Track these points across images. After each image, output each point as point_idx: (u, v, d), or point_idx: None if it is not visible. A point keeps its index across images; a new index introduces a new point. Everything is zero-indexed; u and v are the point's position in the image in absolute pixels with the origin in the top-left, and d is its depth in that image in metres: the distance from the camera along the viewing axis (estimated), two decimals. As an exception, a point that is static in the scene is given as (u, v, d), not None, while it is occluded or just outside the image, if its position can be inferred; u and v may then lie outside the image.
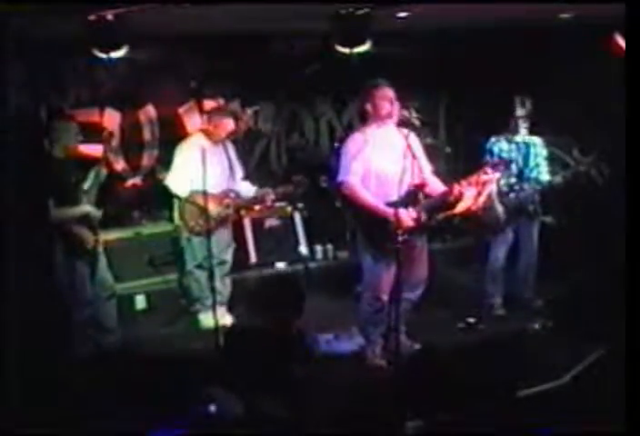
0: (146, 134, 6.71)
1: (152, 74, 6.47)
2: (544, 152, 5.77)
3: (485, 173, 4.68)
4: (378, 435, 3.91)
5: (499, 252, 5.83)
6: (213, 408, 3.91)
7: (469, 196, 4.68)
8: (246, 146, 6.92)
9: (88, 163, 5.17)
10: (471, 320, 5.65)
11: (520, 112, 5.62)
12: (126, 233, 6.27)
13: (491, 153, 5.71)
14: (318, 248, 7.10)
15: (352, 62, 5.47)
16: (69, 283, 5.00)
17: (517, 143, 5.69)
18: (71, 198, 5.01)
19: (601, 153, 5.54)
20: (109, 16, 4.58)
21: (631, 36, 3.52)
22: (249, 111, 7.13)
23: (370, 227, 4.79)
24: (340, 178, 4.84)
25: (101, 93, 6.41)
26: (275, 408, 3.88)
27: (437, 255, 7.00)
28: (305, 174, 6.07)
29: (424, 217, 4.74)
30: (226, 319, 5.68)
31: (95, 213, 5.10)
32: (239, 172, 5.97)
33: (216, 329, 4.79)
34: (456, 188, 4.64)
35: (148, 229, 6.39)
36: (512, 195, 5.63)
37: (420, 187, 4.75)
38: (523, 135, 5.69)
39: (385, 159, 4.76)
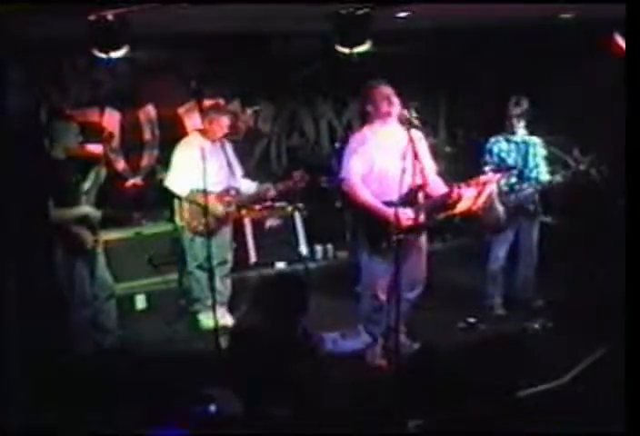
0: (146, 134, 6.72)
1: (152, 74, 6.48)
2: (543, 151, 5.77)
3: (477, 184, 4.70)
4: (380, 434, 3.91)
5: (499, 252, 5.83)
6: (213, 408, 3.91)
7: (469, 196, 4.68)
8: (246, 146, 6.92)
9: (88, 163, 5.17)
10: (471, 320, 5.65)
11: (520, 111, 5.62)
12: (126, 233, 6.28)
13: (490, 152, 5.71)
14: (318, 248, 7.11)
15: (352, 62, 5.47)
16: (69, 283, 5.00)
17: (517, 143, 5.69)
18: (71, 198, 5.01)
19: (601, 152, 5.54)
20: (109, 16, 4.58)
21: (631, 36, 3.52)
22: (249, 111, 7.13)
23: (367, 225, 4.81)
24: (341, 175, 4.86)
25: (101, 93, 6.41)
26: (281, 408, 3.88)
27: (437, 255, 7.04)
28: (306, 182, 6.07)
29: (422, 218, 4.75)
30: (226, 319, 5.68)
31: (95, 213, 5.10)
32: (239, 170, 5.97)
33: (216, 329, 4.79)
34: (456, 191, 4.64)
35: (148, 229, 6.40)
36: (512, 195, 5.63)
37: (421, 187, 4.76)
38: (522, 135, 5.69)
39: (386, 158, 4.76)
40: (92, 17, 4.59)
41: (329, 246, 7.13)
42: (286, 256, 6.79)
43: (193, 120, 6.67)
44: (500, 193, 5.55)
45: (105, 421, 4.04)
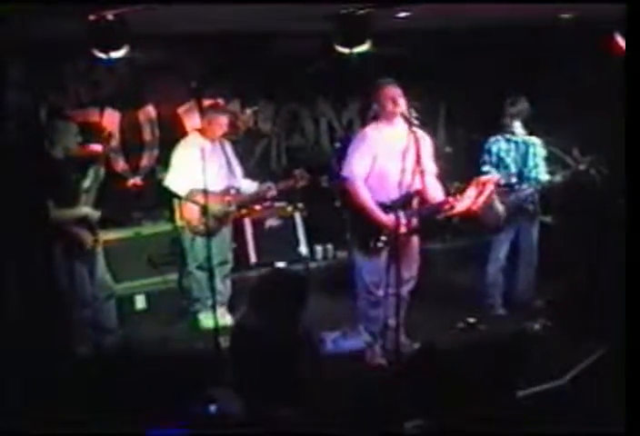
0: (146, 134, 6.72)
1: (152, 74, 6.47)
2: (543, 151, 5.77)
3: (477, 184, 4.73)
4: (380, 434, 3.91)
5: (499, 253, 5.83)
6: (213, 408, 3.91)
7: (469, 196, 4.68)
8: (246, 146, 6.92)
9: (88, 163, 5.16)
10: (471, 320, 5.65)
11: (515, 111, 5.63)
12: (126, 233, 6.27)
13: (489, 152, 5.72)
14: (318, 248, 7.10)
15: (352, 62, 5.47)
16: (68, 283, 5.00)
17: (517, 143, 5.70)
18: (71, 198, 5.01)
19: (600, 152, 5.54)
20: (109, 16, 4.58)
21: (631, 36, 3.52)
22: (249, 111, 7.13)
23: (361, 224, 4.85)
24: (343, 174, 4.88)
25: (101, 93, 6.41)
26: (281, 408, 3.88)
27: (437, 256, 7.05)
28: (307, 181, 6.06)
29: (415, 222, 4.81)
30: (226, 319, 5.68)
31: (94, 213, 5.09)
32: (239, 169, 5.97)
33: (216, 329, 4.79)
34: (450, 201, 4.66)
35: (148, 229, 6.40)
36: (512, 195, 5.62)
37: (418, 193, 4.79)
38: (522, 135, 5.69)
39: (389, 157, 4.76)
40: (92, 17, 4.59)
41: (329, 246, 7.13)
42: (286, 256, 6.78)
43: (192, 120, 6.66)
44: (500, 193, 5.56)
45: (104, 421, 4.04)
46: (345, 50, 5.26)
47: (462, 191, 4.68)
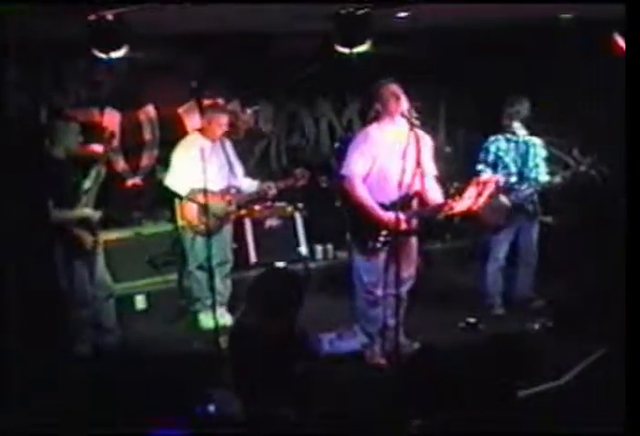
0: (146, 134, 6.72)
1: (152, 74, 6.47)
2: (543, 152, 5.77)
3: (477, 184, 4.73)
4: (380, 434, 3.91)
5: (499, 252, 5.83)
6: (213, 408, 3.90)
7: (469, 196, 4.68)
8: (246, 146, 6.92)
9: (89, 162, 5.16)
10: (471, 320, 5.65)
11: (518, 112, 5.63)
12: (126, 233, 6.27)
13: (487, 151, 5.72)
14: (318, 248, 7.11)
15: (352, 62, 5.47)
16: (68, 284, 5.00)
17: (517, 143, 5.70)
18: (71, 198, 5.01)
19: (601, 153, 5.54)
20: (109, 16, 4.58)
21: (631, 36, 3.52)
22: (249, 111, 7.13)
23: (360, 224, 4.84)
24: (343, 172, 4.87)
25: (101, 93, 6.41)
26: (281, 408, 3.88)
27: (437, 255, 7.05)
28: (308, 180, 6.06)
29: (413, 223, 4.81)
30: (226, 319, 5.68)
31: (95, 214, 5.09)
32: (239, 168, 5.97)
33: (216, 329, 4.79)
34: (449, 204, 4.66)
35: (148, 229, 6.40)
36: (512, 195, 5.63)
37: (417, 194, 4.79)
38: (523, 135, 5.69)
39: (389, 157, 4.76)
40: (92, 17, 4.59)
41: (329, 246, 7.13)
42: (286, 256, 6.78)
43: (193, 120, 6.67)
44: (500, 192, 5.56)
45: (104, 421, 4.04)
46: (345, 50, 5.26)
47: (461, 192, 4.68)
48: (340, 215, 5.59)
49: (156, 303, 6.20)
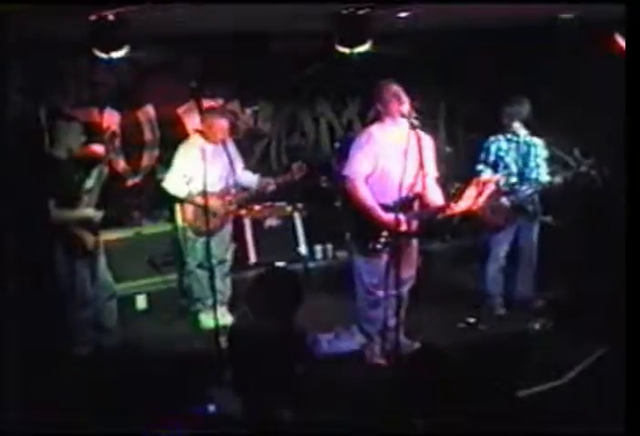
0: (146, 134, 6.71)
1: (152, 74, 6.47)
2: (544, 152, 5.77)
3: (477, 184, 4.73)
4: (381, 434, 3.91)
5: (499, 252, 5.83)
6: (213, 408, 3.91)
7: (469, 196, 4.68)
8: (246, 146, 6.92)
9: (91, 162, 5.15)
10: (471, 320, 5.65)
11: (517, 112, 5.63)
12: (126, 233, 6.27)
13: (487, 151, 5.72)
14: (318, 248, 7.10)
15: (352, 62, 5.47)
16: (69, 284, 5.00)
17: (518, 143, 5.69)
18: (73, 198, 5.00)
19: (601, 153, 5.54)
20: (109, 16, 4.58)
21: (631, 36, 3.52)
22: (249, 111, 7.13)
23: (361, 225, 4.84)
24: (345, 173, 4.87)
25: (101, 93, 6.40)
26: (281, 407, 3.89)
27: (437, 255, 7.05)
28: (305, 175, 6.06)
29: (414, 225, 4.80)
30: (227, 319, 5.68)
31: (96, 215, 5.09)
32: (240, 165, 5.98)
33: (217, 329, 4.79)
34: (450, 206, 4.66)
35: (148, 229, 6.39)
36: (512, 195, 5.63)
37: (419, 196, 4.79)
38: (523, 136, 5.69)
39: (391, 158, 4.75)
40: (92, 17, 4.59)
41: (329, 246, 7.13)
42: (286, 256, 6.78)
43: (192, 120, 6.66)
44: (500, 193, 5.56)
45: (105, 421, 4.04)
46: (345, 50, 5.26)
47: (461, 192, 4.67)
48: (339, 215, 5.60)
49: (156, 303, 6.20)
